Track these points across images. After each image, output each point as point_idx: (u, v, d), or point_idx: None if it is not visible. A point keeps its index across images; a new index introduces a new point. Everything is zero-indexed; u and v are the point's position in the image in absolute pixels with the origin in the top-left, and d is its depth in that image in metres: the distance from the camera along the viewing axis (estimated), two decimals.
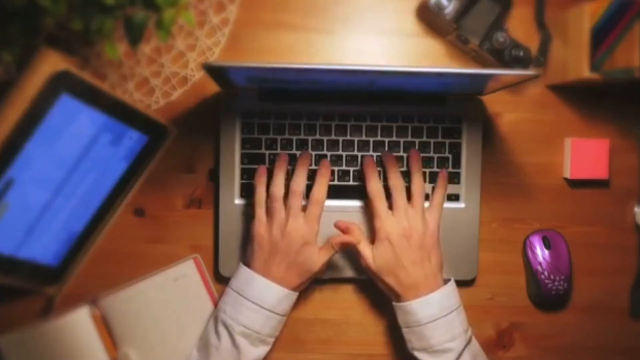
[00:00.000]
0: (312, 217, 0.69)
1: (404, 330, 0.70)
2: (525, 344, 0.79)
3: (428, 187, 0.75)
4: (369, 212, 0.73)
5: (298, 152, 0.74)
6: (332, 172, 0.74)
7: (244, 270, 0.70)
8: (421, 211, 0.69)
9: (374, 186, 0.70)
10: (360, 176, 0.74)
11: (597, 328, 0.79)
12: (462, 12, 0.72)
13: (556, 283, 0.76)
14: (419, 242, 0.68)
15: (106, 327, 0.73)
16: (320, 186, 0.70)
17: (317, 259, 0.69)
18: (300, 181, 0.70)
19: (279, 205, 0.69)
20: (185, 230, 0.76)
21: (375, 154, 0.74)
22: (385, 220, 0.68)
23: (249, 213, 0.73)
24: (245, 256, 0.72)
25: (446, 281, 0.71)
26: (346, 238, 0.70)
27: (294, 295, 0.70)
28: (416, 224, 0.68)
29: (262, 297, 0.67)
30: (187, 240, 0.76)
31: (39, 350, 0.71)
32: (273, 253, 0.68)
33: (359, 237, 0.70)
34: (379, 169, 0.73)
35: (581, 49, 0.69)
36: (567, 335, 0.79)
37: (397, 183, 0.70)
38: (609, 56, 0.69)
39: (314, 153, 0.74)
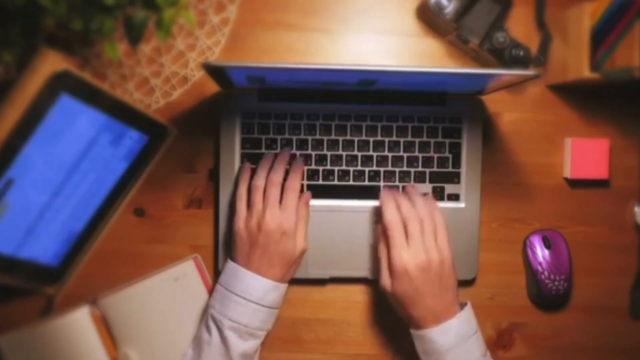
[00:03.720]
0: (288, 205, 0.70)
1: (422, 358, 0.68)
2: (525, 344, 0.79)
3: (429, 187, 0.75)
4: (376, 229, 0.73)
5: (298, 152, 0.74)
6: (332, 172, 0.75)
7: (229, 265, 0.70)
8: (434, 238, 0.68)
9: (392, 215, 0.69)
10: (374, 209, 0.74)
11: (597, 328, 0.79)
12: (462, 12, 0.72)
13: (556, 283, 0.76)
14: (437, 273, 0.66)
15: (106, 327, 0.73)
16: (294, 176, 0.72)
17: (295, 245, 0.70)
18: (278, 173, 0.71)
19: (258, 196, 0.70)
20: (185, 230, 0.76)
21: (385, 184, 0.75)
22: (403, 250, 0.66)
23: (233, 209, 0.73)
24: (231, 251, 0.72)
25: (462, 305, 0.69)
26: (304, 198, 0.72)
27: (282, 286, 0.70)
28: (433, 255, 0.66)
29: (247, 290, 0.68)
30: (187, 240, 0.76)
31: (39, 350, 0.71)
32: (253, 246, 0.69)
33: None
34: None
35: (581, 49, 0.69)
36: (567, 335, 0.79)
37: (409, 213, 0.69)
38: (609, 56, 0.69)
39: (314, 153, 0.74)
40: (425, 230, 0.68)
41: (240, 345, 0.68)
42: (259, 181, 0.71)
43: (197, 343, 0.70)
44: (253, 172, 0.72)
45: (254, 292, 0.68)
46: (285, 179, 0.72)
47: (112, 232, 0.75)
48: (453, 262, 0.68)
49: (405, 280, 0.66)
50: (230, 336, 0.67)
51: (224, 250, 0.74)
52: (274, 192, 0.70)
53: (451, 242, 0.69)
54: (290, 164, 0.73)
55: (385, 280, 0.68)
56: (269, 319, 0.70)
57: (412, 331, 0.68)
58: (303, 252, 0.72)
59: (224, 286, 0.69)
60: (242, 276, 0.68)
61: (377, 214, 0.73)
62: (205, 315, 0.70)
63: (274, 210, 0.69)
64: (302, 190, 0.74)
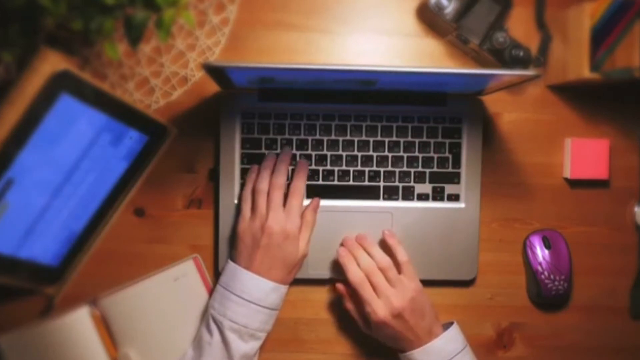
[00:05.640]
0: (292, 209, 0.70)
1: None
2: (525, 344, 0.79)
3: (428, 187, 0.75)
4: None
5: (299, 153, 0.74)
6: (332, 172, 0.75)
7: (230, 266, 0.70)
8: (399, 282, 0.70)
9: (355, 275, 0.71)
10: (339, 264, 0.73)
11: (597, 328, 0.79)
12: (462, 12, 0.72)
13: (556, 283, 0.76)
14: (410, 311, 0.69)
15: (106, 327, 0.73)
16: (298, 179, 0.72)
17: (297, 249, 0.70)
18: (281, 175, 0.71)
19: (262, 199, 0.70)
20: (185, 230, 0.76)
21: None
22: (374, 304, 0.69)
23: (238, 211, 0.73)
24: (233, 253, 0.72)
25: (448, 324, 0.72)
26: (312, 204, 0.73)
27: (282, 288, 0.70)
28: (403, 298, 0.69)
29: (247, 290, 0.68)
30: (187, 240, 0.76)
31: (39, 350, 0.71)
32: (255, 247, 0.69)
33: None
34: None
35: (581, 49, 0.69)
36: (567, 335, 0.79)
37: (368, 266, 0.71)
38: (609, 56, 0.69)
39: (314, 153, 0.74)
40: (389, 277, 0.70)
41: (241, 346, 0.68)
42: (262, 184, 0.71)
43: (198, 343, 0.70)
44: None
45: (254, 292, 0.68)
46: (289, 181, 0.72)
47: (112, 232, 0.75)
48: (422, 289, 0.71)
49: (383, 329, 0.69)
50: (231, 337, 0.67)
51: (224, 250, 0.74)
52: (278, 195, 0.70)
53: (415, 272, 0.71)
54: (292, 164, 0.74)
55: (365, 329, 0.73)
56: (269, 320, 0.70)
57: (399, 354, 0.72)
58: (304, 256, 0.72)
59: (224, 287, 0.69)
60: (243, 277, 0.69)
61: (337, 269, 0.74)
62: (206, 316, 0.71)
63: (278, 213, 0.69)
64: None
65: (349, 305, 0.74)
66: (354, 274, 0.71)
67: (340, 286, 0.74)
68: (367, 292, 0.70)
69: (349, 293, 0.73)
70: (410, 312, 0.69)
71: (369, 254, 0.72)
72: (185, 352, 0.71)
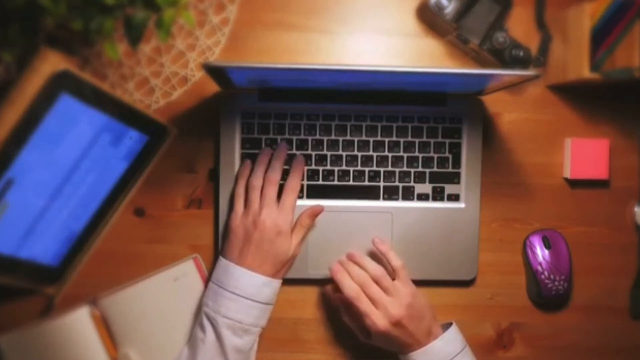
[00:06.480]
0: (286, 205, 0.71)
1: None
2: (525, 344, 0.79)
3: (428, 187, 0.75)
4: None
5: (298, 152, 0.74)
6: (332, 172, 0.75)
7: (221, 262, 0.70)
8: (394, 289, 0.70)
9: (350, 289, 0.70)
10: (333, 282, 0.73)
11: (597, 328, 0.79)
12: (462, 12, 0.72)
13: (556, 283, 0.76)
14: (408, 317, 0.68)
15: (106, 327, 0.73)
16: (294, 177, 0.72)
17: (290, 246, 0.70)
18: (275, 171, 0.71)
19: (255, 195, 0.70)
20: (185, 230, 0.76)
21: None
22: (373, 316, 0.69)
23: (231, 207, 0.73)
24: (224, 248, 0.72)
25: (447, 325, 0.72)
26: (312, 209, 0.72)
27: (275, 282, 0.70)
28: (399, 305, 0.69)
29: (239, 286, 0.68)
30: (187, 240, 0.76)
31: (39, 350, 0.71)
32: (247, 243, 0.69)
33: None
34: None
35: (581, 49, 0.69)
36: (567, 335, 0.79)
37: (362, 278, 0.71)
38: (609, 56, 0.69)
39: (314, 153, 0.74)
40: (384, 286, 0.70)
41: (235, 340, 0.68)
42: (257, 180, 0.71)
43: (192, 342, 0.70)
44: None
45: (247, 288, 0.68)
46: (285, 178, 0.72)
47: (112, 232, 0.75)
48: (417, 292, 0.71)
49: (384, 337, 0.69)
50: (225, 333, 0.67)
51: None
52: (272, 191, 0.70)
53: (409, 275, 0.71)
54: (289, 162, 0.74)
55: (364, 339, 0.73)
56: (263, 315, 0.70)
57: (399, 355, 0.72)
58: (294, 257, 0.72)
59: (216, 283, 0.69)
60: (235, 272, 0.69)
61: (331, 284, 0.74)
62: (199, 314, 0.70)
63: (271, 209, 0.70)
64: (301, 191, 0.74)
65: (346, 319, 0.74)
66: (349, 288, 0.70)
67: (336, 300, 0.74)
68: (364, 304, 0.69)
69: (345, 305, 0.73)
70: (409, 318, 0.68)
71: (361, 266, 0.72)
72: (181, 351, 0.71)
